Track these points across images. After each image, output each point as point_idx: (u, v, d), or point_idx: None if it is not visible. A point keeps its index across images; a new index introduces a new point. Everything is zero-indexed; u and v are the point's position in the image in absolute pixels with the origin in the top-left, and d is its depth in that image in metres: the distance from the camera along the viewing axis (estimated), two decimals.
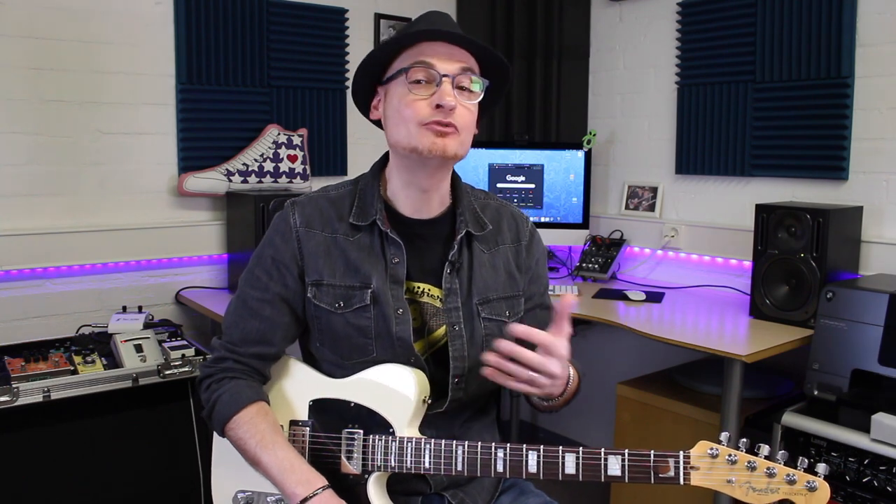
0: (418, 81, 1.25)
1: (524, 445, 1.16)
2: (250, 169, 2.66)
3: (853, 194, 2.37)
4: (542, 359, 1.15)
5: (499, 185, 2.97)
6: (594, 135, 2.95)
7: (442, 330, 1.33)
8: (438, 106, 1.22)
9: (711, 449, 1.09)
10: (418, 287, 1.33)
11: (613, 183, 3.14)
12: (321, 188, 1.40)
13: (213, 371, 1.32)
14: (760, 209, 2.25)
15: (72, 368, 2.06)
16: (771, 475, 1.06)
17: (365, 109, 1.38)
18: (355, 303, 1.29)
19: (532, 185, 2.96)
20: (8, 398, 1.90)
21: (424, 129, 1.24)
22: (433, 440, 1.21)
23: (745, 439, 1.09)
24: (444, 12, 1.33)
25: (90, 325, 2.41)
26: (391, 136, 1.30)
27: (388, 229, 1.30)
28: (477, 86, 1.28)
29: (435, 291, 1.33)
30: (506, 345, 1.14)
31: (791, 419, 1.94)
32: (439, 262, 1.33)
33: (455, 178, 1.38)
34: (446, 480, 1.32)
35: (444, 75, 1.24)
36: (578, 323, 2.63)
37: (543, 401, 1.31)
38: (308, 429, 1.30)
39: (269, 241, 1.35)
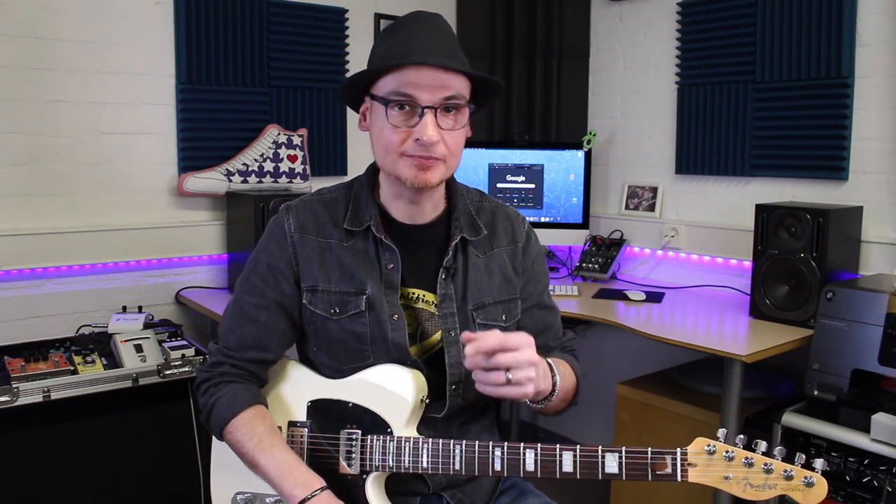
0: (401, 108, 1.20)
1: (521, 444, 1.16)
2: (250, 169, 2.66)
3: (853, 194, 2.37)
4: (511, 355, 1.07)
5: (499, 185, 2.97)
6: (594, 135, 2.95)
7: (437, 335, 1.32)
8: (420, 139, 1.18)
9: (708, 446, 1.08)
10: (412, 293, 1.32)
11: (613, 183, 3.14)
12: (316, 191, 1.39)
13: (210, 375, 1.32)
14: (760, 209, 2.25)
15: (72, 368, 2.06)
16: (768, 471, 1.06)
17: (354, 107, 1.33)
18: (350, 309, 1.29)
19: (532, 185, 2.96)
20: (8, 398, 1.90)
21: (406, 160, 1.21)
22: (430, 440, 1.21)
23: (742, 436, 1.08)
24: (435, 14, 1.27)
25: (90, 325, 2.41)
26: (376, 156, 1.28)
27: (382, 235, 1.29)
28: (463, 115, 1.23)
29: (429, 297, 1.32)
30: (471, 348, 1.07)
31: (791, 419, 1.94)
32: (434, 267, 1.32)
33: (450, 181, 1.35)
34: (444, 481, 1.32)
35: (427, 107, 1.18)
36: (578, 323, 2.64)
37: (537, 403, 1.23)
38: (306, 430, 1.30)
39: (264, 246, 1.34)
